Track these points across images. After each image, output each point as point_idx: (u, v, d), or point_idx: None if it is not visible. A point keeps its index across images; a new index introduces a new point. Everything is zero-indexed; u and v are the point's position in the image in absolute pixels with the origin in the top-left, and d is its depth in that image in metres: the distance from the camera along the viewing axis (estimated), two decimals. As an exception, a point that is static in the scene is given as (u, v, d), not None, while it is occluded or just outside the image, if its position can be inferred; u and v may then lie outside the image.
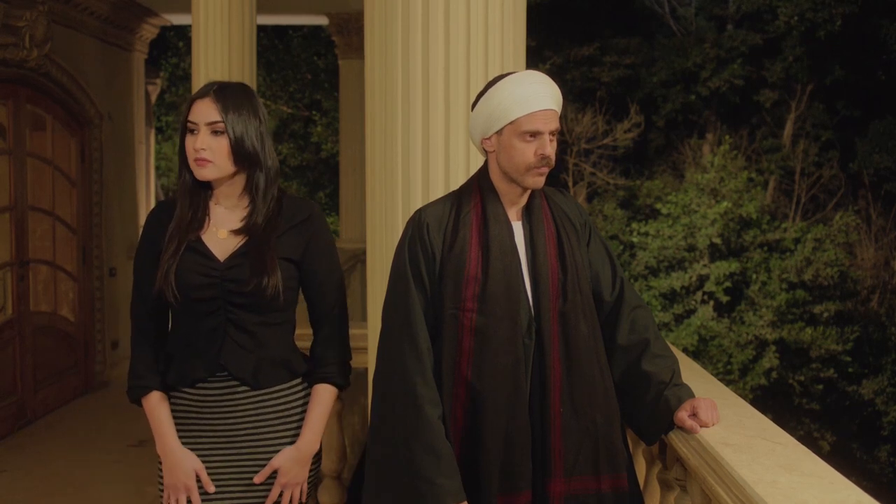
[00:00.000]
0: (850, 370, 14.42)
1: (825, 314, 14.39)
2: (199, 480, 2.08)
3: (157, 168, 14.42)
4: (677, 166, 17.04)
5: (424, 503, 1.93)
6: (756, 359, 14.14)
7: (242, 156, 2.05)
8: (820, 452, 8.96)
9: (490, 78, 2.25)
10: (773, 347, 14.07)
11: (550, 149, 2.03)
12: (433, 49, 2.51)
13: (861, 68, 16.74)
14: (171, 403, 2.12)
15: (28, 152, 6.00)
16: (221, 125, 2.02)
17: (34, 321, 6.03)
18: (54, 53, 6.12)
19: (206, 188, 2.11)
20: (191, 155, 2.04)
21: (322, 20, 9.05)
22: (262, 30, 12.29)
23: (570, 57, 16.63)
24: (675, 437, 2.00)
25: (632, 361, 2.08)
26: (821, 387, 14.46)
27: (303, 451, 2.12)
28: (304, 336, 2.31)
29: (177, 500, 2.07)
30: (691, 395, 2.01)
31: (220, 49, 4.89)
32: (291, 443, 2.13)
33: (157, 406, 2.10)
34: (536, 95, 2.01)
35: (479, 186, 2.12)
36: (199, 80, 4.94)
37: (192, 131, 2.04)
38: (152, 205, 8.04)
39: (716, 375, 5.28)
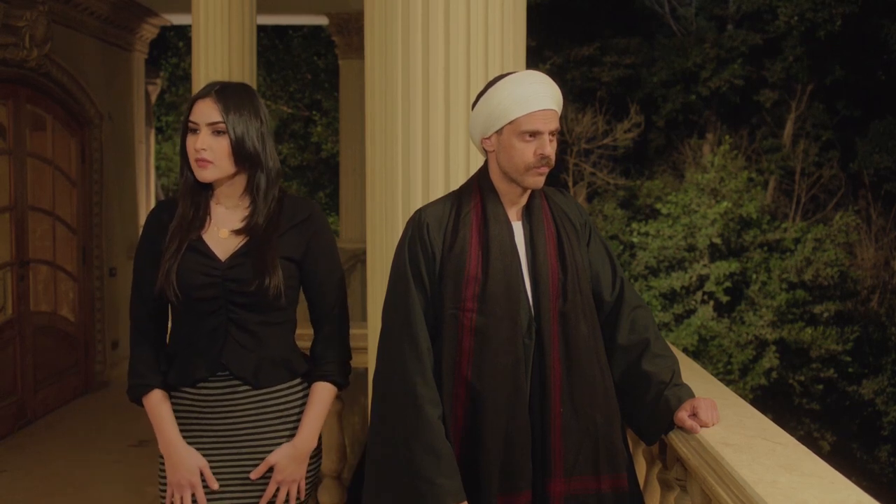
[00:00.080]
0: (850, 370, 14.43)
1: (825, 314, 14.40)
2: (202, 477, 2.08)
3: (157, 168, 14.42)
4: (677, 166, 17.04)
5: (424, 503, 1.93)
6: (756, 359, 14.15)
7: (243, 156, 2.05)
8: (820, 452, 8.97)
9: (490, 78, 2.25)
10: (774, 347, 14.07)
11: (550, 149, 2.03)
12: (433, 49, 2.51)
13: (861, 68, 16.75)
14: (171, 403, 2.12)
15: (28, 152, 6.01)
16: (222, 125, 2.02)
17: (34, 321, 6.03)
18: (54, 53, 6.12)
19: (208, 188, 2.12)
20: (191, 155, 2.05)
21: (322, 20, 9.05)
22: (262, 30, 12.29)
23: (570, 57, 16.63)
24: (675, 437, 2.00)
25: (632, 361, 2.08)
26: (821, 387, 14.47)
27: (299, 449, 2.12)
28: (304, 336, 2.31)
29: (181, 498, 2.07)
30: (691, 395, 2.01)
31: (220, 49, 4.89)
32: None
33: (158, 404, 2.10)
34: (536, 95, 2.01)
35: (479, 186, 2.12)
36: (199, 81, 4.94)
37: (193, 131, 2.05)
38: (152, 205, 8.04)
39: (716, 375, 5.28)
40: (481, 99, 2.09)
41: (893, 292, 15.30)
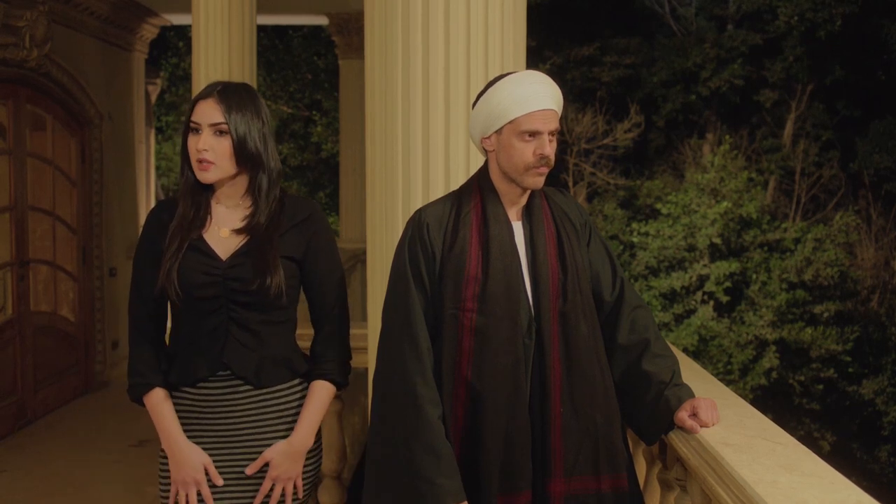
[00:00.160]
0: (850, 370, 14.43)
1: (825, 314, 14.40)
2: (206, 474, 2.08)
3: (157, 168, 14.42)
4: (677, 166, 17.04)
5: (424, 503, 1.93)
6: (756, 359, 14.15)
7: (245, 157, 2.05)
8: (820, 452, 8.97)
9: (490, 78, 2.25)
10: (774, 347, 14.07)
11: (550, 149, 2.03)
12: (433, 49, 2.51)
13: (861, 68, 16.75)
14: (172, 404, 2.12)
15: (28, 152, 6.01)
16: (224, 126, 2.03)
17: (34, 321, 6.03)
18: (54, 53, 6.12)
19: (208, 187, 2.12)
20: (193, 155, 2.05)
21: (322, 20, 9.05)
22: (262, 30, 12.29)
23: (570, 57, 16.63)
24: (675, 437, 2.00)
25: (632, 361, 2.08)
26: (821, 387, 14.46)
27: (295, 446, 2.11)
28: (304, 336, 2.31)
29: (187, 495, 2.07)
30: (691, 394, 2.01)
31: (220, 49, 4.89)
32: (290, 441, 2.13)
33: (160, 402, 2.10)
34: (536, 95, 2.01)
35: (479, 186, 2.12)
36: (199, 81, 4.94)
37: (194, 131, 2.05)
38: (152, 205, 8.03)
39: (716, 375, 5.28)
40: (481, 99, 2.09)
41: (893, 292, 15.31)
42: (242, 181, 2.10)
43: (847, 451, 13.99)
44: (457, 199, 2.13)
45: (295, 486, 2.12)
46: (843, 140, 16.87)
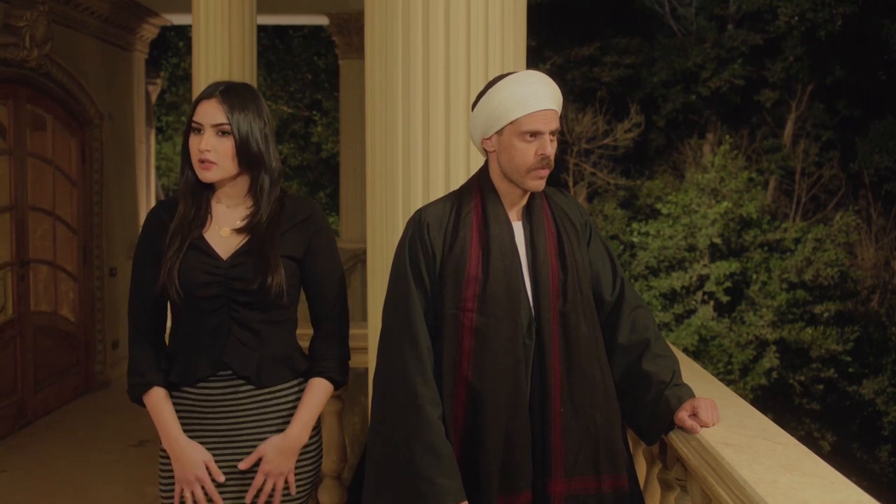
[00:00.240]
0: (850, 370, 14.43)
1: (825, 314, 14.40)
2: (208, 471, 2.08)
3: (158, 168, 14.42)
4: (677, 166, 17.04)
5: (425, 503, 1.93)
6: (756, 359, 14.15)
7: (247, 157, 2.05)
8: (820, 452, 8.96)
9: (490, 78, 2.25)
10: (774, 347, 14.07)
11: (551, 149, 2.03)
12: (433, 49, 2.51)
13: (861, 68, 16.75)
14: (172, 403, 2.12)
15: (28, 152, 6.01)
16: (227, 126, 2.03)
17: (34, 321, 6.03)
18: (54, 53, 6.12)
19: (209, 187, 2.12)
20: (195, 155, 2.05)
21: (322, 20, 9.05)
22: (262, 30, 12.28)
23: (570, 57, 16.63)
24: (675, 437, 2.00)
25: (632, 361, 2.08)
26: (821, 387, 14.47)
27: (288, 441, 2.10)
28: (305, 335, 2.31)
29: (192, 493, 2.06)
30: (692, 394, 2.01)
31: (221, 49, 4.89)
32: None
33: (160, 402, 2.09)
34: (536, 95, 2.01)
35: (480, 186, 2.12)
36: (199, 81, 4.94)
37: (196, 131, 2.05)
38: (152, 205, 8.03)
39: (716, 375, 5.29)
40: (482, 99, 2.09)
41: (893, 292, 15.31)
42: (244, 181, 2.10)
43: (847, 451, 13.99)
44: (457, 199, 2.13)
45: (287, 483, 2.12)
46: (843, 140, 16.87)
